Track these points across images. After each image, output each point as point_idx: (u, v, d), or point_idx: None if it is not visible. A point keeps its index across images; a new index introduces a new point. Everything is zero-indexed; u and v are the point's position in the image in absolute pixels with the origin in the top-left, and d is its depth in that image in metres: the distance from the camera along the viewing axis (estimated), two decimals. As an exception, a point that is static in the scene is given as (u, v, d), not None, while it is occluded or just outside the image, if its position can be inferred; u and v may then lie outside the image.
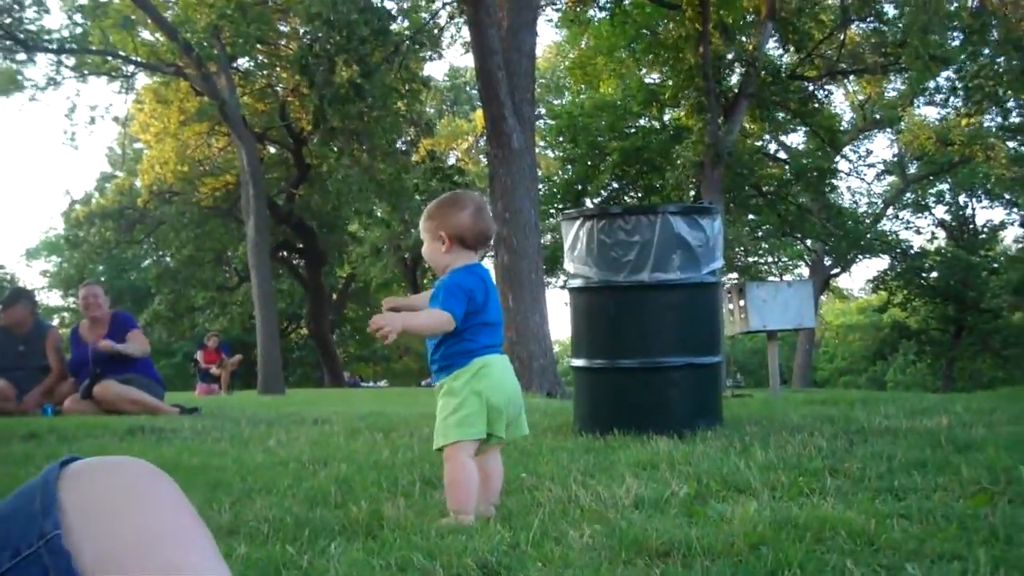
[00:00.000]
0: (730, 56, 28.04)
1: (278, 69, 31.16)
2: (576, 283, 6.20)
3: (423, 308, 3.48)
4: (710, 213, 6.07)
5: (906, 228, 41.14)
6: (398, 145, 27.24)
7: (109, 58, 28.68)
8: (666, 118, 32.13)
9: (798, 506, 3.44)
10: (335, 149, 20.59)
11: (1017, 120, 30.59)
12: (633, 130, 31.41)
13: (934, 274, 37.14)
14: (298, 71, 19.45)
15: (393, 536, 3.07)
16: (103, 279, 37.92)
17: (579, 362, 6.25)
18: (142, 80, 31.67)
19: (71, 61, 29.12)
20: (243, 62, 30.61)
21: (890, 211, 40.62)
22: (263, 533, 3.24)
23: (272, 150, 35.25)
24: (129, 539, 1.04)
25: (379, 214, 30.84)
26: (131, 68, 29.56)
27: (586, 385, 6.30)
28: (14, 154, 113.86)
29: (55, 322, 39.73)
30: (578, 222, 6.14)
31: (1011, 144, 31.94)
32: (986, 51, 25.20)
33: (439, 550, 2.94)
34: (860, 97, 37.24)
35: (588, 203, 30.88)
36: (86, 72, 29.99)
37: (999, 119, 30.42)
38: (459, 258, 3.43)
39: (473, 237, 3.44)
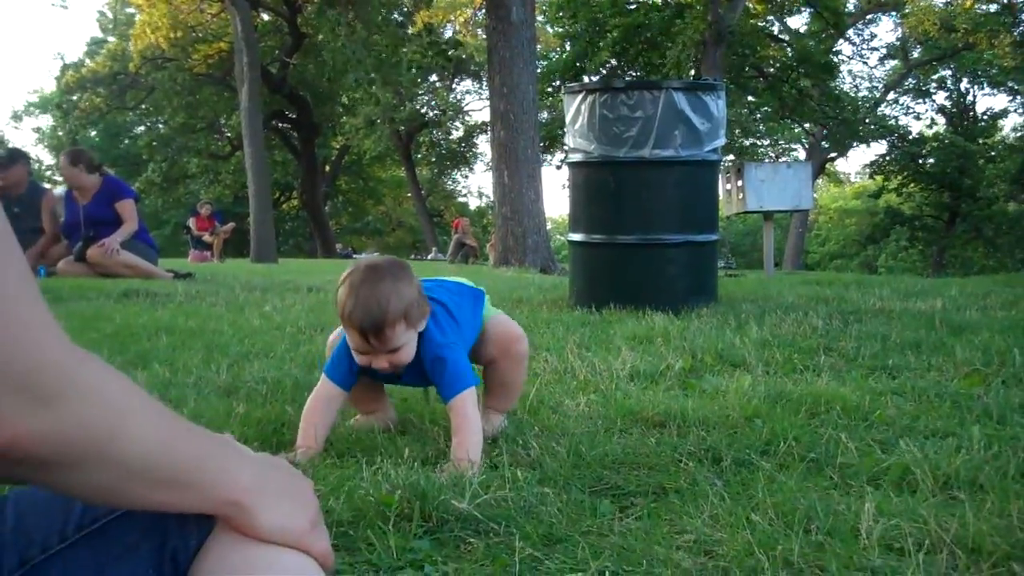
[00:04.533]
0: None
1: (274, -67, 30.41)
2: (576, 157, 6.14)
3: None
4: (714, 90, 5.99)
5: (906, 113, 40.86)
6: (394, 16, 26.76)
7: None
8: (668, -6, 31.54)
9: (792, 382, 3.48)
10: (330, 18, 20.13)
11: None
12: (634, 6, 30.83)
13: (931, 161, 36.94)
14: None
15: (392, 401, 3.09)
16: (95, 146, 37.63)
17: (577, 237, 6.23)
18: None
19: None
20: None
21: (890, 96, 40.26)
22: (261, 394, 3.26)
23: (266, 17, 34.58)
24: None
25: (374, 88, 30.42)
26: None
27: (583, 260, 6.29)
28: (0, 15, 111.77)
29: (47, 184, 39.52)
30: (580, 96, 6.05)
31: (1016, 32, 31.42)
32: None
33: (439, 414, 2.96)
34: (867, -22, 36.60)
35: (586, 81, 30.43)
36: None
37: (1006, 1, 29.83)
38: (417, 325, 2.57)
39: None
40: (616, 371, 3.69)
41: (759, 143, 39.43)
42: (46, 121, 50.07)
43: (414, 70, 24.82)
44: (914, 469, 2.27)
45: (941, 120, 40.91)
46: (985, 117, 40.43)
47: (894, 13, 36.46)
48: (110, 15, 42.15)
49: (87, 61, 39.93)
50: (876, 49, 40.25)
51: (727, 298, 6.39)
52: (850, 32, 36.40)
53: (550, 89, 31.20)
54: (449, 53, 23.69)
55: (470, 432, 2.48)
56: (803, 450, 2.50)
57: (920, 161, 37.17)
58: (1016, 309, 5.71)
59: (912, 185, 38.06)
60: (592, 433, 2.72)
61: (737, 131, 33.37)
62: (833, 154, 40.25)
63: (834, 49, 33.62)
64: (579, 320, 5.39)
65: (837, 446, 2.52)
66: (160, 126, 38.88)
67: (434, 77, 38.20)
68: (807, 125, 36.58)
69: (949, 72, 39.17)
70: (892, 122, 38.63)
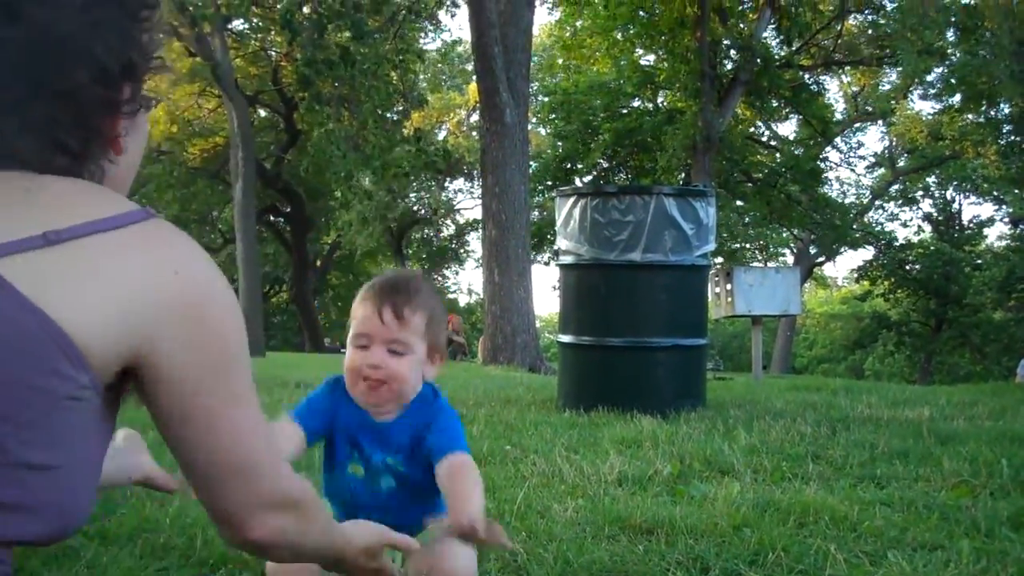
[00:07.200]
0: (726, 42, 27.95)
1: (272, 32, 30.96)
2: (567, 260, 6.20)
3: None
4: (704, 196, 6.07)
5: (892, 220, 41.25)
6: (389, 115, 27.09)
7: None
8: (660, 100, 32.04)
9: (781, 490, 3.47)
10: (324, 115, 20.41)
11: (1006, 114, 30.53)
12: (626, 111, 31.31)
13: (918, 267, 37.19)
14: (283, 27, 19.25)
15: None
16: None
17: (566, 338, 6.26)
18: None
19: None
20: (238, 24, 30.40)
21: (877, 203, 40.68)
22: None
23: (263, 113, 35.05)
24: None
25: (367, 182, 30.71)
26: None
27: (572, 361, 6.31)
28: None
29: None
30: (572, 199, 6.13)
31: (1001, 142, 31.87)
32: (981, 52, 25.02)
33: None
34: (854, 88, 37.22)
35: (577, 181, 30.78)
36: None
37: (991, 113, 30.28)
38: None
39: None
40: (604, 475, 3.69)
41: (747, 246, 39.74)
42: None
43: (405, 171, 25.01)
44: (903, 583, 2.26)
45: (928, 227, 41.30)
46: (971, 225, 40.83)
47: (881, 122, 37.06)
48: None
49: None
50: (863, 157, 40.86)
51: (715, 402, 6.40)
52: (838, 140, 36.96)
53: (540, 188, 31.52)
54: (438, 165, 23.98)
55: (477, 488, 2.01)
56: (792, 561, 2.49)
57: (907, 267, 37.43)
58: (1003, 419, 5.72)
59: (899, 291, 38.29)
60: (580, 539, 2.71)
61: (725, 234, 33.66)
62: (821, 259, 40.55)
63: (822, 156, 34.09)
64: (567, 422, 5.38)
65: (826, 558, 2.51)
66: (153, 218, 38.96)
67: (426, 175, 38.63)
68: (795, 230, 36.89)
69: (934, 180, 39.66)
70: (879, 228, 39.04)
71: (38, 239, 1.08)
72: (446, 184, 42.46)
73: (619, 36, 29.76)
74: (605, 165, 31.79)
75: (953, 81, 28.30)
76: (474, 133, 33.81)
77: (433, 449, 2.10)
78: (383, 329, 2.07)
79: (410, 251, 45.19)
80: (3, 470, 1.04)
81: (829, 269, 51.27)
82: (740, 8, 28.58)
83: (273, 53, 31.63)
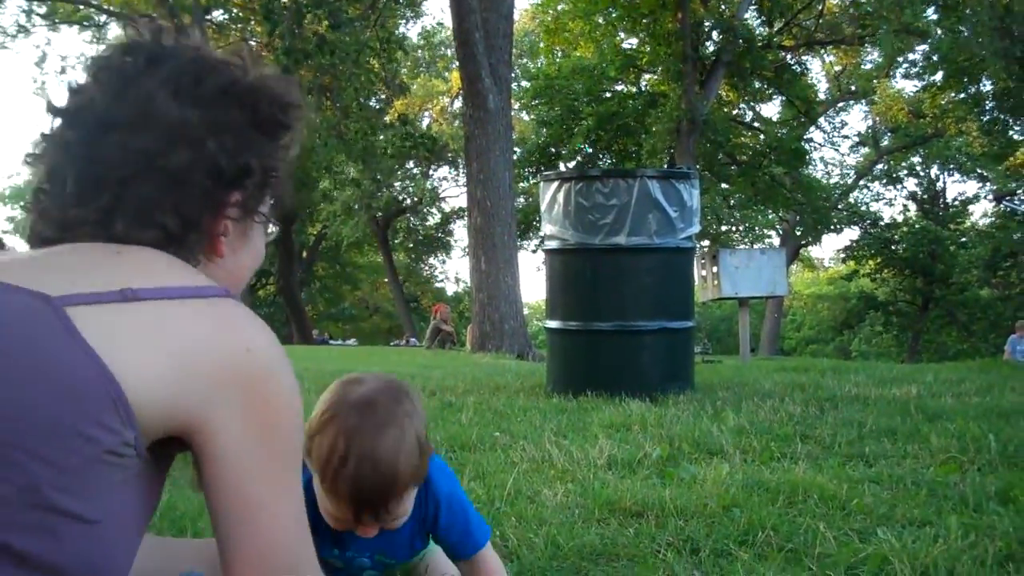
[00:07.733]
0: (708, 23, 27.94)
1: (252, 23, 30.85)
2: (552, 245, 6.19)
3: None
4: (688, 178, 6.07)
5: (877, 200, 41.32)
6: (372, 103, 27.03)
7: (81, 7, 28.32)
8: (642, 83, 32.01)
9: (770, 470, 3.47)
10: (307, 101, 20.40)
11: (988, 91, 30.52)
12: (609, 95, 31.26)
13: (903, 246, 37.27)
14: (264, 17, 19.18)
15: None
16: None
17: (553, 324, 6.25)
18: (114, 30, 31.27)
19: (42, 9, 28.74)
20: (217, 15, 30.30)
21: (862, 182, 40.74)
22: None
23: (245, 105, 34.88)
24: None
25: (353, 173, 30.66)
26: (103, 18, 29.22)
27: (560, 347, 6.31)
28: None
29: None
30: (556, 184, 6.12)
31: (984, 118, 31.88)
32: (962, 29, 25.00)
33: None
34: (836, 68, 37.23)
35: (561, 166, 30.75)
36: (57, 21, 29.62)
37: (972, 89, 30.30)
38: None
39: None
40: (593, 459, 3.69)
41: (734, 229, 39.79)
42: (19, 211, 49.91)
43: (389, 154, 24.99)
44: (892, 559, 2.27)
45: (913, 206, 41.38)
46: (956, 203, 40.93)
47: (864, 101, 37.09)
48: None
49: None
50: (847, 137, 41.00)
51: (704, 385, 6.41)
52: (821, 120, 36.98)
53: (525, 173, 31.48)
54: (426, 145, 23.98)
55: None
56: (781, 540, 2.50)
57: (893, 246, 37.50)
58: (990, 395, 5.74)
59: (885, 271, 38.38)
60: (570, 523, 2.70)
61: (711, 217, 33.70)
62: (805, 241, 40.64)
63: (806, 137, 34.12)
64: (556, 407, 5.38)
65: (815, 536, 2.51)
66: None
67: (411, 164, 38.58)
68: (780, 212, 36.92)
69: (919, 159, 39.70)
70: (864, 208, 39.12)
71: (115, 294, 1.12)
72: (430, 172, 42.42)
73: (600, 20, 29.69)
74: (589, 150, 31.74)
75: (935, 59, 28.33)
76: (457, 120, 33.76)
77: (450, 552, 2.03)
78: (369, 529, 1.81)
79: (396, 241, 45.14)
80: (35, 513, 1.04)
81: (816, 250, 51.42)
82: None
83: (254, 43, 31.48)
